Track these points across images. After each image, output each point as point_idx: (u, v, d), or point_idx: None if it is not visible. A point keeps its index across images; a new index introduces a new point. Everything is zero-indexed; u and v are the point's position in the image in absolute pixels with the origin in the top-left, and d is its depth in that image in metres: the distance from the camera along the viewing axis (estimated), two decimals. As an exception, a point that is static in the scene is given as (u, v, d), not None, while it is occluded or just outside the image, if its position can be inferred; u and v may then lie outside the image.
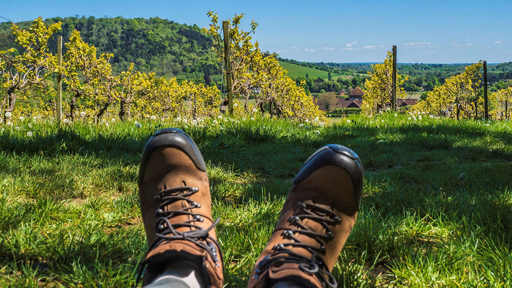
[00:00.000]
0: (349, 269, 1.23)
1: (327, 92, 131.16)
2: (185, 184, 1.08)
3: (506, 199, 2.03)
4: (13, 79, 7.77)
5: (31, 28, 8.04)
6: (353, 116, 9.83)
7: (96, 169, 2.74)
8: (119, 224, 1.80)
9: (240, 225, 1.72)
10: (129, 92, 12.23)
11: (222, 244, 1.45)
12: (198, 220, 1.03)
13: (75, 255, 1.32)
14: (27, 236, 1.44)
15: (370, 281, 1.22)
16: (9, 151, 3.17)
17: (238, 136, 4.62)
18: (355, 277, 1.22)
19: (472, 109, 15.90)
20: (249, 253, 1.41)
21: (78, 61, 9.65)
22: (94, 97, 10.79)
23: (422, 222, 1.68)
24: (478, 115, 15.39)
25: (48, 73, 8.60)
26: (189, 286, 0.90)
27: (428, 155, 3.72)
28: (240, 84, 9.29)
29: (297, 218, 1.00)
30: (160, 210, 1.03)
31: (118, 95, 11.52)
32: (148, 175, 1.10)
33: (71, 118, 8.98)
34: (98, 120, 10.98)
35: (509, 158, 3.66)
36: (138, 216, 1.89)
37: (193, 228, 1.00)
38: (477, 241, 1.45)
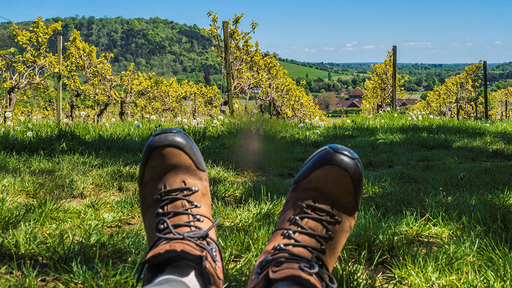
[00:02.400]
0: (349, 269, 1.22)
1: (327, 92, 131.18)
2: (185, 184, 1.08)
3: (506, 199, 2.03)
4: (13, 79, 7.77)
5: (31, 28, 8.04)
6: (353, 116, 9.83)
7: (96, 169, 2.74)
8: (119, 224, 1.80)
9: (240, 225, 1.72)
10: (129, 92, 12.22)
11: (222, 244, 1.45)
12: (198, 220, 1.03)
13: (75, 255, 1.32)
14: (27, 236, 1.44)
15: (370, 281, 1.22)
16: (9, 151, 3.17)
17: (238, 136, 4.63)
18: (355, 277, 1.22)
19: (472, 109, 15.90)
20: (249, 253, 1.41)
21: (78, 61, 9.65)
22: (94, 97, 10.79)
23: (422, 222, 1.68)
24: (478, 115, 15.38)
25: (48, 73, 8.60)
26: (189, 286, 0.90)
27: (428, 155, 3.72)
28: (240, 84, 9.29)
29: (297, 218, 1.00)
30: (160, 210, 1.03)
31: (118, 95, 11.52)
32: (148, 175, 1.10)
33: (71, 118, 8.98)
34: (98, 120, 10.97)
35: (509, 158, 3.66)
36: (138, 216, 1.89)
37: (193, 228, 1.00)
38: (477, 241, 1.45)
